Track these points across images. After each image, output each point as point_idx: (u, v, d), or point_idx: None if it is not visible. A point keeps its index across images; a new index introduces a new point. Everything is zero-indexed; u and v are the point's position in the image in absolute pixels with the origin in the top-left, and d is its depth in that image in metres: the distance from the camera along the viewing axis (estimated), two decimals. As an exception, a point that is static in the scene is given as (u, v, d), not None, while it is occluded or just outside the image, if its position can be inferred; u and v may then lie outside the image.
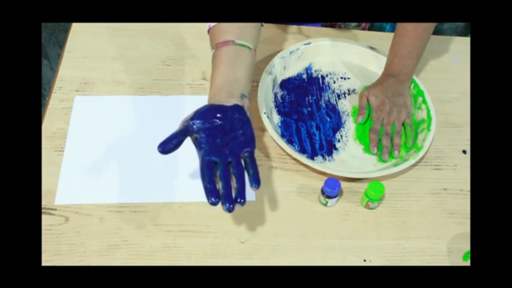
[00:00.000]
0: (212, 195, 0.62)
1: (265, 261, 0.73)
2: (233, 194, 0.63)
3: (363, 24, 1.07)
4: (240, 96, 0.71)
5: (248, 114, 0.70)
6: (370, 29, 1.10)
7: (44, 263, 0.70)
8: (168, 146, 0.66)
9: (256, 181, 0.65)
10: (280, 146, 0.81)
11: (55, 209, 0.75)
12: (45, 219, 0.74)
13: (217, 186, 0.64)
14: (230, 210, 0.62)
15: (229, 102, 0.69)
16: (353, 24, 1.04)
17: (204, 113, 0.68)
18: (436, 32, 0.92)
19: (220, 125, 0.67)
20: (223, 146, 0.66)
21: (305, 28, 1.02)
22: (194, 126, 0.67)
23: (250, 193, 0.79)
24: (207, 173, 0.64)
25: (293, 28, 1.02)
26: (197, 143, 0.67)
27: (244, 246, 0.74)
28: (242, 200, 0.63)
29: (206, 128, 0.67)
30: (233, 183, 0.64)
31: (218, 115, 0.68)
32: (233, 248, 0.74)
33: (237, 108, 0.69)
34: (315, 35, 0.99)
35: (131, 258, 0.72)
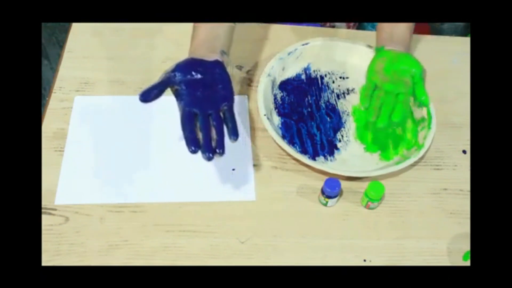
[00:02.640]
0: (193, 144, 0.65)
1: (265, 261, 0.73)
2: (213, 145, 0.65)
3: (351, 25, 1.07)
4: (220, 52, 0.73)
5: (228, 70, 0.72)
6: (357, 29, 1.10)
7: (44, 263, 0.70)
8: (150, 96, 0.68)
9: (234, 134, 0.67)
10: (282, 148, 0.81)
11: (55, 209, 0.75)
12: (45, 219, 0.74)
13: (197, 137, 0.65)
14: (209, 158, 0.65)
15: (210, 57, 0.71)
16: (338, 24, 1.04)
17: (185, 66, 0.70)
18: (436, 32, 0.92)
19: (200, 78, 0.69)
20: (203, 99, 0.68)
21: (304, 28, 1.02)
22: (175, 78, 0.69)
23: (250, 193, 0.79)
24: (188, 123, 0.66)
25: (291, 28, 1.02)
26: (178, 95, 0.69)
27: (244, 246, 0.74)
28: (221, 151, 0.65)
29: (187, 81, 0.69)
30: (213, 135, 0.66)
31: (199, 68, 0.70)
32: (233, 248, 0.74)
33: (218, 64, 0.71)
34: (313, 35, 0.99)
35: (131, 258, 0.72)
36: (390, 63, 0.82)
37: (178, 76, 0.69)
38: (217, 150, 0.65)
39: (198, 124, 0.66)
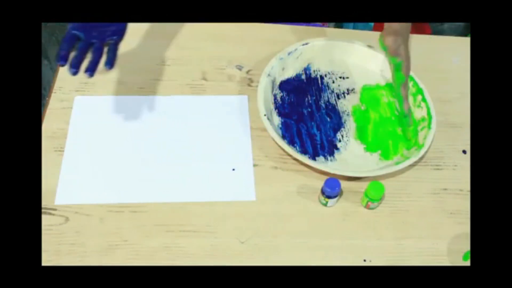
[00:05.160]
0: (62, 59, 0.68)
1: (265, 261, 0.73)
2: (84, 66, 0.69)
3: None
4: None
5: None
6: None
7: (44, 263, 0.70)
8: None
9: (109, 63, 0.71)
10: (282, 148, 0.81)
11: (55, 209, 0.75)
12: (45, 219, 0.74)
13: (69, 55, 0.69)
14: (74, 73, 0.68)
15: None
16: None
17: None
18: (436, 32, 0.92)
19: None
20: (92, 28, 0.71)
21: (304, 28, 1.02)
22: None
23: (250, 193, 0.79)
24: (66, 42, 0.69)
25: (291, 28, 1.02)
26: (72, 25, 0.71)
27: (244, 246, 0.74)
28: (91, 73, 0.69)
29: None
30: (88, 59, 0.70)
31: None
32: (233, 248, 0.74)
33: None
34: (313, 35, 0.99)
35: (131, 258, 0.72)
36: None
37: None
38: (87, 72, 0.69)
39: (76, 46, 0.70)
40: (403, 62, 0.83)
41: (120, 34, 0.73)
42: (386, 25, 0.86)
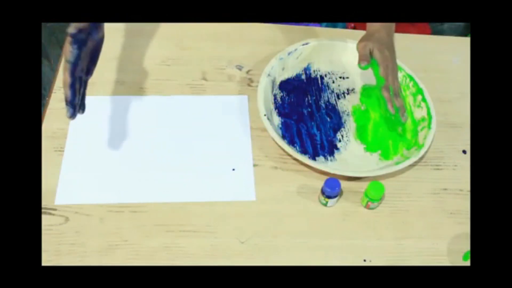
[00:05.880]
0: (72, 105, 0.71)
1: (265, 261, 0.73)
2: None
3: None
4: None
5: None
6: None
7: (44, 263, 0.70)
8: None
9: (83, 108, 0.75)
10: (282, 148, 0.81)
11: (55, 209, 0.75)
12: (45, 219, 0.74)
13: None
14: (72, 115, 0.71)
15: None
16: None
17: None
18: (436, 32, 0.92)
19: (90, 41, 0.73)
20: (83, 59, 0.72)
21: (304, 28, 1.02)
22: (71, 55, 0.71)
23: (250, 193, 0.79)
24: (73, 87, 0.71)
25: (291, 28, 1.02)
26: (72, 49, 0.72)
27: (244, 246, 0.74)
28: (82, 112, 0.74)
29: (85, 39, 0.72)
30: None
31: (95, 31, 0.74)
32: (233, 248, 0.74)
33: (103, 39, 0.76)
34: (313, 35, 0.99)
35: (131, 258, 0.72)
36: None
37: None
38: (80, 110, 0.74)
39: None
40: (375, 66, 0.81)
41: (91, 71, 0.76)
42: (367, 29, 0.86)
